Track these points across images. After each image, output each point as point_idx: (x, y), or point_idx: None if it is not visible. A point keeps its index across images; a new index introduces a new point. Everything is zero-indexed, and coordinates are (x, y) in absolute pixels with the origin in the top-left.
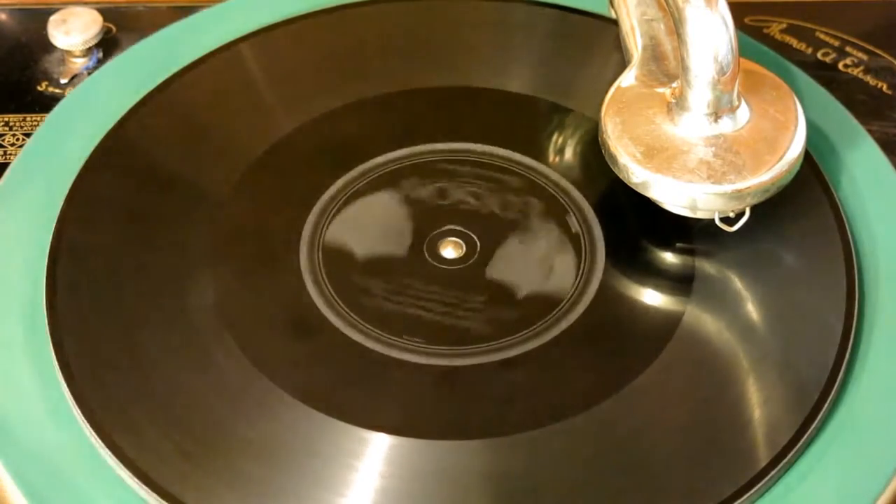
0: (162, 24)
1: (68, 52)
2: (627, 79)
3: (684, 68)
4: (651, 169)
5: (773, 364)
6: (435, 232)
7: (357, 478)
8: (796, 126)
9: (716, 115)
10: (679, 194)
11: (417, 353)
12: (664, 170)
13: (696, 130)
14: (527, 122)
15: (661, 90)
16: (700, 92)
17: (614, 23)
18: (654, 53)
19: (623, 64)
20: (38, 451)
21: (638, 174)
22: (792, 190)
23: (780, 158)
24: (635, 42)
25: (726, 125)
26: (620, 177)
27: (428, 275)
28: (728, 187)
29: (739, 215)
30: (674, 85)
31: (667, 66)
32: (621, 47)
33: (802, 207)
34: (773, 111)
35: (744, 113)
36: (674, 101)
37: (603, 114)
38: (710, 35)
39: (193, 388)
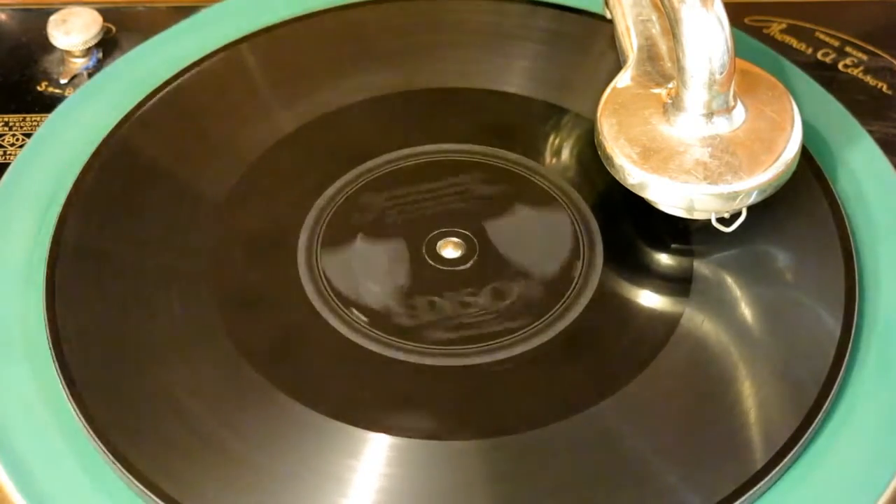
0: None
1: (68, 52)
2: (623, 79)
3: (680, 69)
4: (647, 170)
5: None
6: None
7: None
8: (792, 126)
9: (712, 115)
10: (675, 195)
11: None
12: (660, 171)
13: (692, 131)
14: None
15: (656, 91)
16: (696, 92)
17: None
18: (650, 54)
19: (620, 64)
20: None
21: (634, 175)
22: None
23: (777, 159)
24: (631, 42)
25: (722, 126)
26: (617, 178)
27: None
28: (724, 188)
29: (736, 216)
30: (670, 85)
31: (662, 67)
32: (617, 48)
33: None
34: (770, 111)
35: (740, 113)
36: (670, 101)
37: (599, 115)
38: (706, 35)
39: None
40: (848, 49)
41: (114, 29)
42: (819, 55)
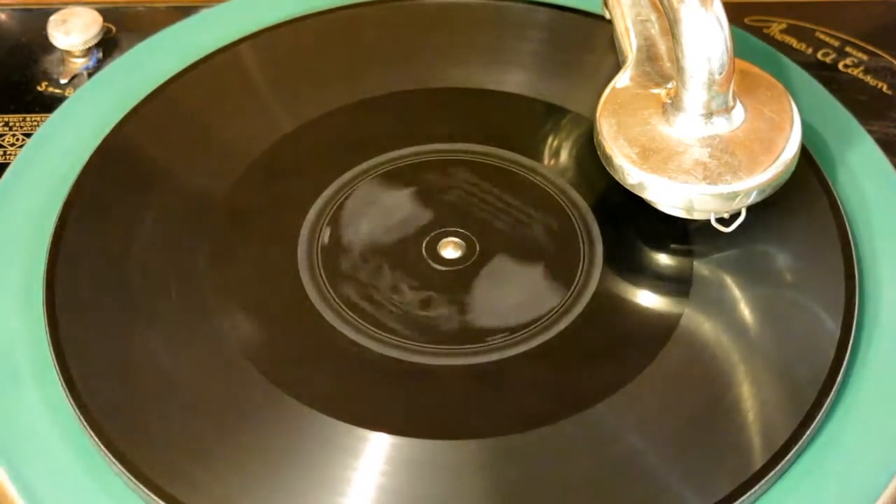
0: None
1: (68, 52)
2: (622, 80)
3: (679, 69)
4: (647, 170)
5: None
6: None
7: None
8: (792, 126)
9: (711, 115)
10: (675, 195)
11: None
12: (660, 171)
13: (691, 131)
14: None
15: (656, 91)
16: (695, 92)
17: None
18: (649, 54)
19: (620, 64)
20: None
21: (633, 175)
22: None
23: (776, 159)
24: (630, 43)
25: (721, 126)
26: (616, 178)
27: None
28: (724, 188)
29: (735, 216)
30: (669, 86)
31: (662, 67)
32: (616, 48)
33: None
34: (769, 111)
35: (739, 113)
36: (669, 101)
37: (598, 115)
38: (705, 36)
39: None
40: (848, 49)
41: (114, 29)
42: (819, 55)
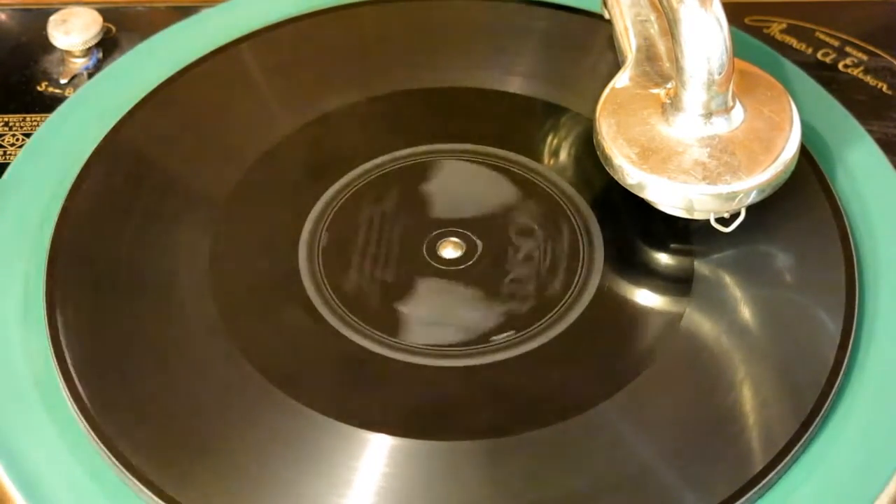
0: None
1: (68, 52)
2: (622, 80)
3: (678, 69)
4: (646, 170)
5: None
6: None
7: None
8: (791, 126)
9: (710, 115)
10: (674, 195)
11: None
12: (659, 171)
13: (690, 131)
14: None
15: (655, 91)
16: (694, 92)
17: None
18: (649, 54)
19: (619, 64)
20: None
21: (633, 175)
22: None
23: (776, 159)
24: (629, 43)
25: (721, 126)
26: (615, 178)
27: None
28: (723, 188)
29: (735, 216)
30: (668, 86)
31: (661, 67)
32: (615, 48)
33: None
34: (768, 111)
35: (738, 113)
36: (668, 101)
37: (597, 115)
38: (705, 36)
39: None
40: (848, 49)
41: (114, 29)
42: (819, 55)
